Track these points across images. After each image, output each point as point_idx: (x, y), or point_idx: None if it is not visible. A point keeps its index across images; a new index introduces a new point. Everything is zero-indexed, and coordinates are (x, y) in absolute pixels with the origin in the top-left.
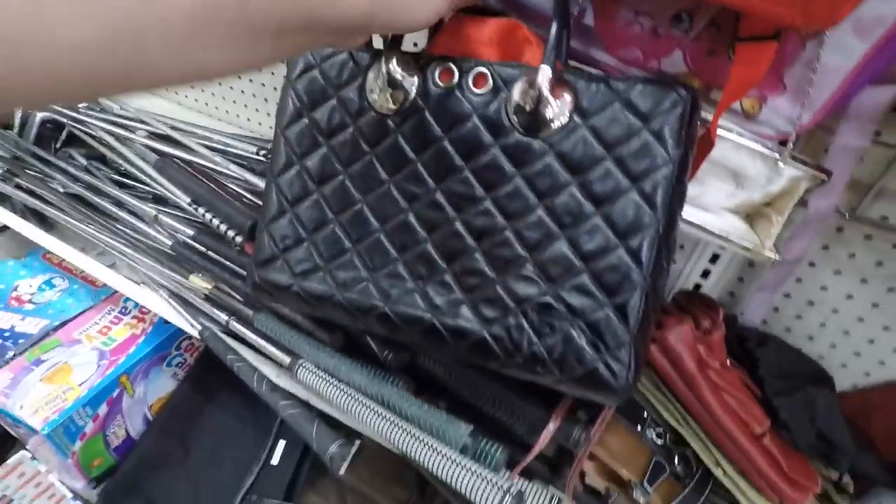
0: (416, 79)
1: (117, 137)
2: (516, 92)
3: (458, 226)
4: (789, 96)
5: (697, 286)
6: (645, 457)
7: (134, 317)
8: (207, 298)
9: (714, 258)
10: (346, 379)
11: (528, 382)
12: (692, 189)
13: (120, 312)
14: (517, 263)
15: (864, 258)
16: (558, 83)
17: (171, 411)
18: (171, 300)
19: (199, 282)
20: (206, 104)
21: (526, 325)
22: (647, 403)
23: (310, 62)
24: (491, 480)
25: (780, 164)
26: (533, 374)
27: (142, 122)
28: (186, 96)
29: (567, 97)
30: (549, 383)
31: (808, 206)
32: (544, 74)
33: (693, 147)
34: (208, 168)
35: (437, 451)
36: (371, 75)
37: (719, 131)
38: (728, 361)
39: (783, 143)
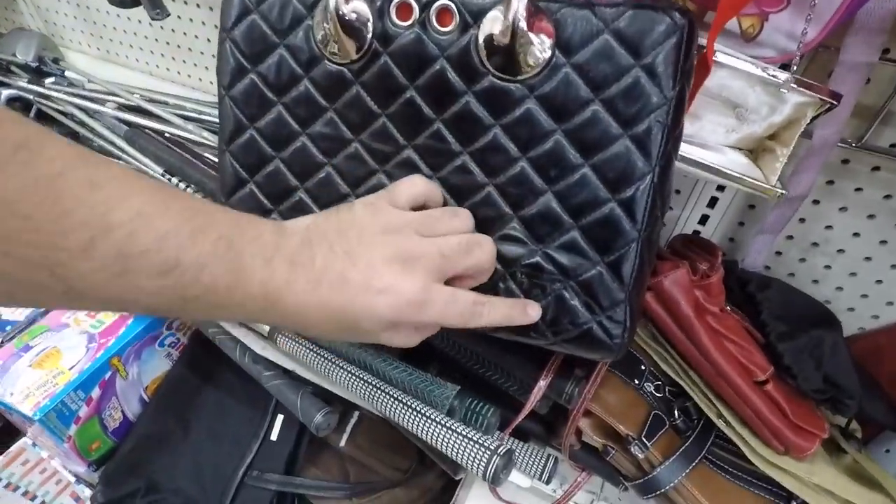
0: (370, 18)
1: (87, 111)
2: (487, 27)
3: None
4: (792, 10)
5: (696, 233)
6: (643, 410)
7: None
8: None
9: (712, 202)
10: (327, 345)
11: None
12: (688, 126)
13: None
14: (501, 222)
15: (872, 191)
16: (536, 13)
17: (167, 391)
18: None
19: None
20: (179, 73)
21: (515, 289)
22: (645, 355)
23: (246, 6)
24: (478, 441)
25: (784, 90)
26: (526, 337)
27: (112, 94)
28: (157, 66)
29: (546, 30)
30: (542, 345)
31: (812, 136)
32: (519, 3)
33: (690, 82)
34: (181, 137)
35: (422, 414)
36: (318, 16)
37: (716, 56)
38: (728, 308)
39: (785, 66)
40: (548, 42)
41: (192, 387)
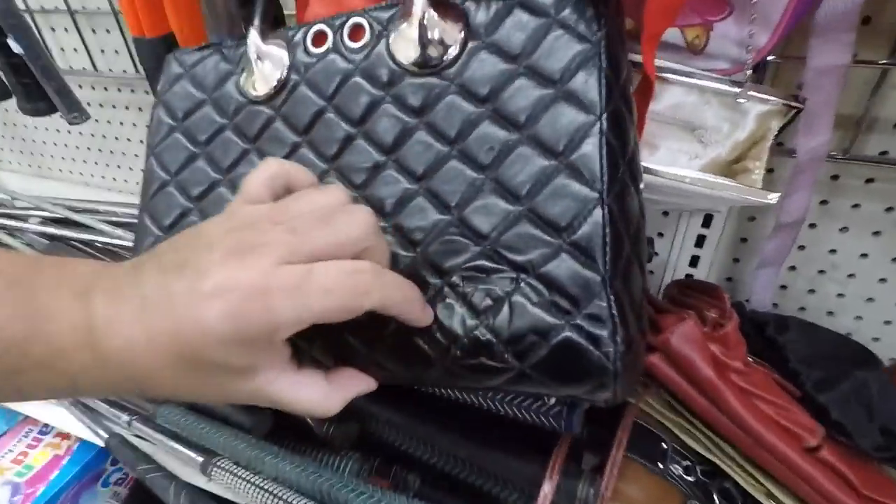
0: (286, 52)
1: (7, 230)
2: (398, 31)
3: None
4: (738, 17)
5: (688, 276)
6: (676, 501)
7: (57, 434)
8: (106, 398)
9: (700, 241)
10: (273, 474)
11: (511, 433)
12: (645, 157)
13: (39, 433)
14: (437, 230)
15: (871, 206)
16: (439, 7)
17: None
18: (72, 405)
19: None
20: (115, 179)
21: (456, 305)
22: (664, 430)
23: (177, 72)
24: None
25: (741, 99)
26: (482, 372)
27: (37, 208)
28: (92, 175)
29: (456, 17)
30: (507, 386)
31: (797, 151)
32: (419, 2)
33: (619, 21)
34: (112, 245)
35: None
36: (242, 64)
37: (665, 75)
38: (751, 359)
39: (739, 83)
40: (458, 31)
41: None
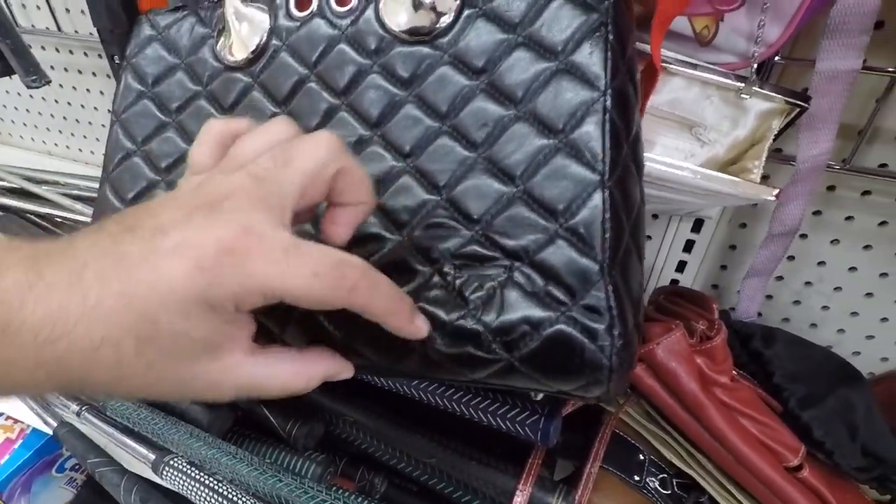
0: (267, 15)
1: None
2: None
3: None
4: (750, 9)
5: (674, 282)
6: None
7: (9, 417)
8: None
9: (688, 246)
10: (230, 476)
11: (485, 441)
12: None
13: None
14: (424, 211)
15: (864, 219)
16: None
17: None
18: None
19: None
20: (80, 150)
21: (441, 292)
22: (642, 441)
23: (148, 34)
24: None
25: (744, 95)
26: (466, 363)
27: None
28: (56, 144)
29: None
30: (494, 380)
31: (797, 159)
32: None
33: None
34: (72, 220)
35: None
36: (219, 26)
37: (668, 65)
38: (736, 373)
39: (743, 78)
40: None
41: None
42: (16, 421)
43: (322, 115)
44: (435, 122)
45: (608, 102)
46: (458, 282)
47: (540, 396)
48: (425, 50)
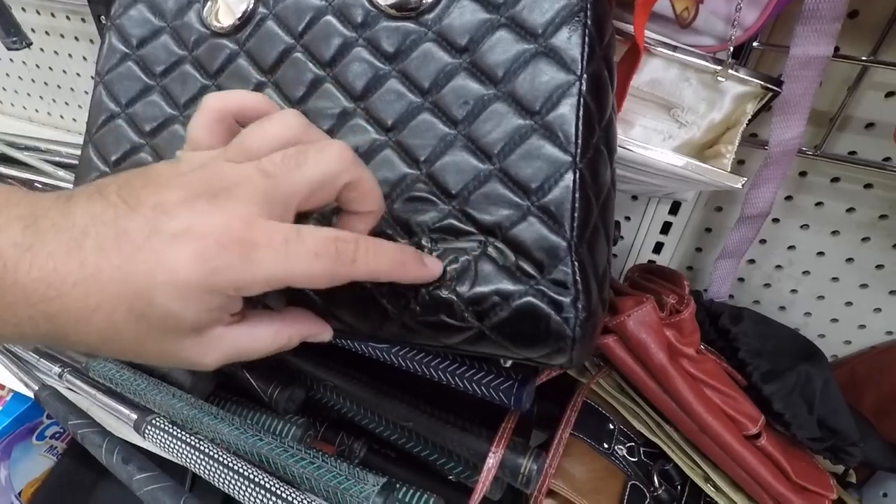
0: None
1: None
2: None
3: None
4: None
5: (650, 262)
6: (618, 481)
7: None
8: (37, 348)
9: (665, 227)
10: (211, 435)
11: (460, 407)
12: (620, 134)
13: None
14: (404, 185)
15: (833, 205)
16: None
17: (50, 495)
18: (1, 354)
19: None
20: (62, 117)
21: None
22: (612, 411)
23: None
24: None
25: (721, 77)
26: (441, 330)
27: None
28: (37, 110)
29: None
30: (465, 346)
31: (769, 144)
32: None
33: None
34: (50, 186)
35: None
36: None
37: (649, 45)
38: (703, 347)
39: (720, 61)
40: None
41: (82, 484)
42: None
43: (307, 85)
44: (417, 98)
45: (583, 87)
46: (434, 254)
47: (509, 363)
48: (410, 25)
